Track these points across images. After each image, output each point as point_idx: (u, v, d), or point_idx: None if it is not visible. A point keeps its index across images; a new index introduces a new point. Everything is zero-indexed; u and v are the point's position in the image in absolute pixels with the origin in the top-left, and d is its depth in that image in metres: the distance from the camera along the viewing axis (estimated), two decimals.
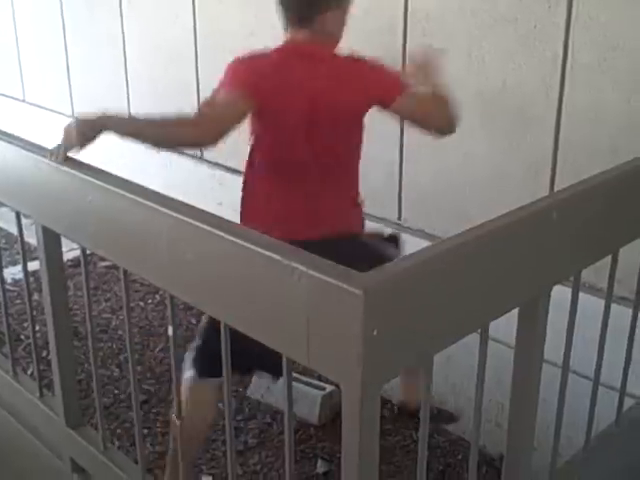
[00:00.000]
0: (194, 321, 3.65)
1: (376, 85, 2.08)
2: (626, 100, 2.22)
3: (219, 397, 2.03)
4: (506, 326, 1.76)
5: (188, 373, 2.16)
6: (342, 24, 2.13)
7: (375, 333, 1.03)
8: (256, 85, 1.99)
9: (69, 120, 1.65)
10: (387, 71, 2.11)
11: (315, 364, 1.11)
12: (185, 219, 1.26)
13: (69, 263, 3.64)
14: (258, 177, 2.18)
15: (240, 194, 2.23)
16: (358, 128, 2.16)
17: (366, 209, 2.97)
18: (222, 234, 1.19)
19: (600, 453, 1.76)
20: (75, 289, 3.76)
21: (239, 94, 1.97)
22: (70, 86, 4.49)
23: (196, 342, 2.19)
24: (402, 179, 2.88)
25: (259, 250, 1.13)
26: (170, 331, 1.40)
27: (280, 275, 1.10)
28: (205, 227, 1.22)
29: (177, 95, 3.79)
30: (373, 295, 1.01)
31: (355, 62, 2.10)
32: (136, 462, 1.66)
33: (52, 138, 1.65)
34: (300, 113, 2.04)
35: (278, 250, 1.12)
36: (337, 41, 2.13)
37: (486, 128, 2.59)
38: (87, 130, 1.60)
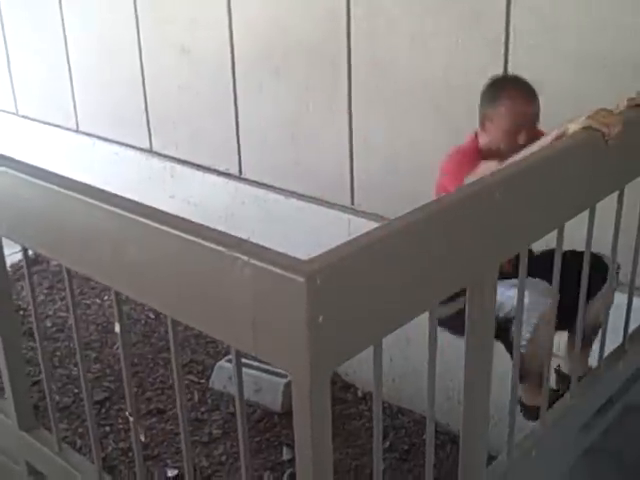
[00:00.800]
0: (152, 315, 3.63)
1: None
2: (570, 78, 2.24)
3: None
4: None
5: None
6: None
7: (321, 320, 1.02)
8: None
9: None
10: None
11: (263, 353, 1.10)
12: (127, 214, 1.23)
13: (20, 263, 3.58)
14: None
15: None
16: None
17: (320, 195, 3.00)
18: (164, 228, 1.17)
19: (556, 426, 1.78)
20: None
21: None
22: (12, 83, 4.40)
23: None
24: (354, 166, 2.89)
25: (201, 242, 1.12)
26: (117, 328, 1.38)
27: (223, 266, 1.08)
28: (147, 222, 1.20)
29: (124, 84, 3.75)
30: (316, 282, 1.00)
31: None
32: (92, 462, 1.64)
33: None
34: None
35: (220, 241, 1.10)
36: None
37: (433, 113, 2.60)
38: None
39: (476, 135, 2.04)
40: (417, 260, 1.19)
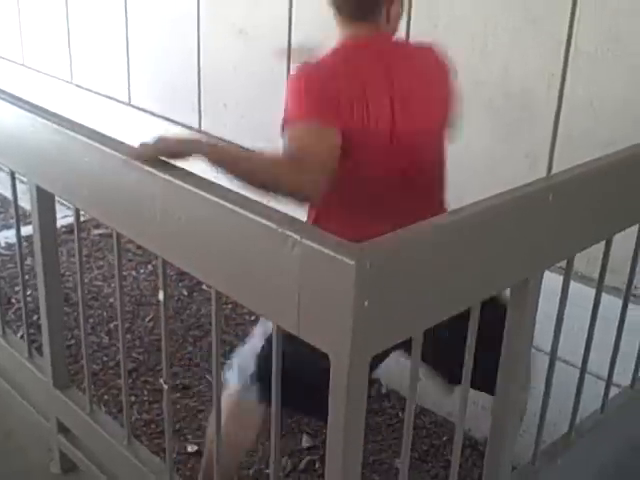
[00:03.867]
0: (185, 292, 3.66)
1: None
2: (625, 92, 2.21)
3: (266, 416, 1.78)
4: None
5: (238, 387, 1.88)
6: (400, 16, 1.90)
7: (366, 304, 1.02)
8: (336, 107, 1.71)
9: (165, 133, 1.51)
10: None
11: (305, 333, 1.11)
12: (179, 183, 1.25)
13: (63, 229, 3.64)
14: (335, 198, 1.81)
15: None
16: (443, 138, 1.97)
17: None
18: (216, 199, 1.19)
19: (584, 438, 1.77)
20: (68, 256, 3.76)
21: (323, 124, 1.68)
22: (70, 53, 4.45)
23: (259, 361, 1.85)
24: None
25: (253, 217, 1.13)
26: (161, 296, 1.40)
27: (273, 243, 1.09)
28: (199, 192, 1.22)
29: (179, 62, 3.78)
30: (366, 265, 1.00)
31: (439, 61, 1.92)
32: (122, 425, 1.66)
33: (50, 102, 1.63)
34: (385, 124, 1.78)
35: (272, 218, 1.11)
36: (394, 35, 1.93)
37: (485, 116, 2.58)
38: (183, 147, 1.46)
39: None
40: (465, 255, 1.19)
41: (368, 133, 1.76)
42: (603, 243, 1.58)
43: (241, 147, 3.49)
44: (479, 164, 2.62)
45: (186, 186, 1.24)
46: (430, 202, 1.96)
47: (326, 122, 1.68)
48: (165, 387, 1.45)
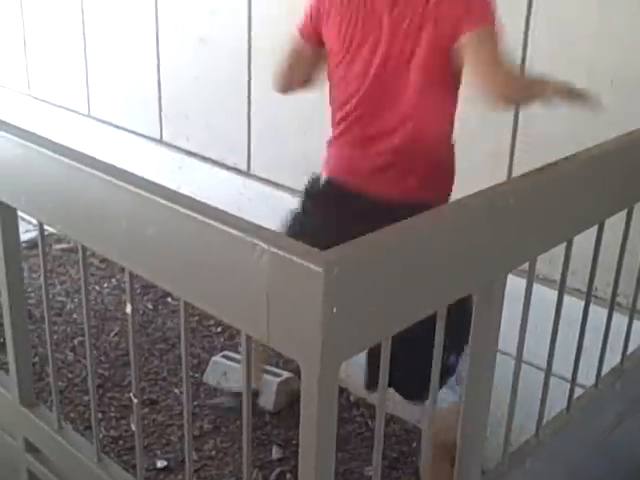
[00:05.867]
0: (150, 306, 3.64)
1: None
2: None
3: None
4: None
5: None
6: None
7: (335, 310, 1.03)
8: None
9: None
10: None
11: (275, 342, 1.11)
12: (145, 194, 1.25)
13: (24, 245, 3.59)
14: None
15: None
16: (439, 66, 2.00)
17: None
18: (182, 210, 1.19)
19: (551, 439, 1.79)
20: (30, 271, 3.71)
21: None
22: (27, 64, 4.41)
23: None
24: None
25: (220, 226, 1.13)
26: (128, 309, 1.39)
27: (241, 251, 1.09)
28: (165, 202, 1.21)
29: (139, 72, 3.75)
30: (333, 272, 1.01)
31: None
32: (91, 443, 1.64)
33: (6, 114, 1.61)
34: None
35: (239, 226, 1.12)
36: None
37: None
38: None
39: None
40: (429, 260, 1.20)
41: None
42: (564, 245, 1.61)
43: (202, 156, 3.48)
44: None
45: (152, 197, 1.24)
46: (390, 140, 2.05)
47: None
48: (135, 401, 1.44)
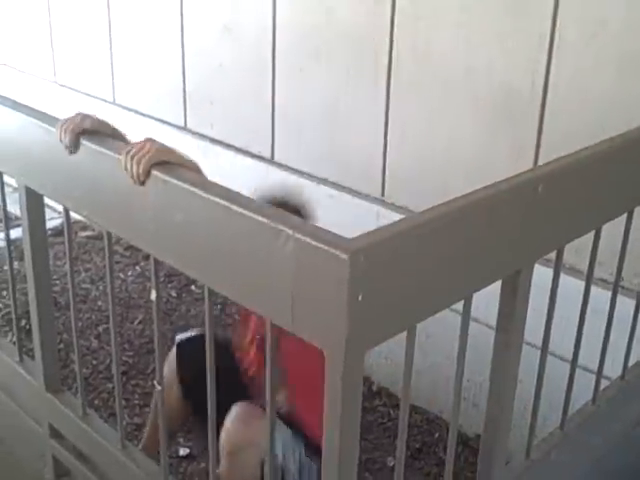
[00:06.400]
0: (174, 294, 3.65)
1: None
2: (613, 80, 2.22)
3: None
4: (485, 307, 1.77)
5: None
6: None
7: (360, 298, 1.03)
8: None
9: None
10: None
11: (299, 329, 1.11)
12: (172, 180, 1.25)
13: (49, 232, 3.61)
14: None
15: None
16: None
17: (351, 184, 2.99)
18: (209, 197, 1.19)
19: (576, 431, 1.78)
20: (55, 259, 3.74)
21: None
22: (53, 52, 4.43)
23: None
24: (387, 157, 2.88)
25: (246, 212, 1.13)
26: (153, 295, 1.39)
27: (266, 238, 1.09)
28: (192, 189, 1.21)
29: (164, 60, 3.75)
30: (360, 259, 1.00)
31: None
32: (116, 430, 1.65)
33: (33, 101, 1.62)
34: None
35: (265, 213, 1.11)
36: None
37: (471, 108, 2.59)
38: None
39: None
40: (456, 248, 1.19)
41: None
42: (591, 234, 1.59)
43: (226, 144, 3.49)
44: (466, 156, 2.63)
45: (179, 184, 1.24)
46: None
47: None
48: (158, 388, 1.44)
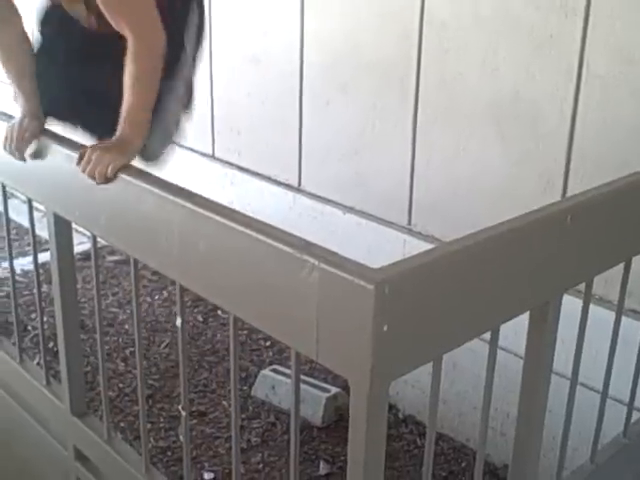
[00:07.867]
0: (201, 319, 3.66)
1: None
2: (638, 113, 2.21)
3: None
4: (514, 336, 1.75)
5: None
6: None
7: (385, 329, 1.02)
8: None
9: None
10: None
11: (324, 359, 1.11)
12: (197, 209, 1.25)
13: (78, 256, 3.65)
14: None
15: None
16: None
17: (378, 213, 3.00)
18: (234, 225, 1.19)
19: (607, 464, 1.74)
20: (83, 282, 3.77)
21: None
22: None
23: None
24: (413, 185, 2.88)
25: (271, 242, 1.13)
26: (179, 322, 1.39)
27: (292, 268, 1.09)
28: (217, 218, 1.22)
29: None
30: (385, 290, 1.00)
31: None
32: (140, 454, 1.66)
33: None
34: None
35: (290, 243, 1.11)
36: None
37: (499, 137, 2.58)
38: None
39: None
40: (483, 279, 1.18)
41: None
42: (621, 265, 1.57)
43: (253, 172, 3.51)
44: (493, 185, 2.62)
45: (204, 212, 1.24)
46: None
47: None
48: (183, 413, 1.44)
